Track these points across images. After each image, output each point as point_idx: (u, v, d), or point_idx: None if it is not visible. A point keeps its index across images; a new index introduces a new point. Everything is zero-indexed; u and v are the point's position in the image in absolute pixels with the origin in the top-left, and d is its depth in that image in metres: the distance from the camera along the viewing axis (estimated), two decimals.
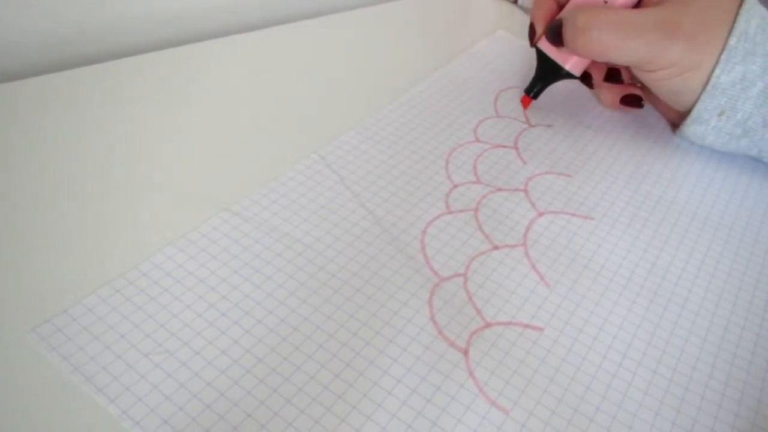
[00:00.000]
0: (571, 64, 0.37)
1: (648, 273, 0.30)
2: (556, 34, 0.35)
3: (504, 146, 0.37)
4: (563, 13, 0.36)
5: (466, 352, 0.25)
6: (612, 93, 0.40)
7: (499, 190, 0.34)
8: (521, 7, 0.55)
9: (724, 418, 0.24)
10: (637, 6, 0.35)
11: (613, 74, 0.39)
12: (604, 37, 0.33)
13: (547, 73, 0.38)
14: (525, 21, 0.53)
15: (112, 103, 0.36)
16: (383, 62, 0.44)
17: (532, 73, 0.40)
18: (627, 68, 0.38)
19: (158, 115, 0.36)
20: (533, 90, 0.39)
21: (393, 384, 0.24)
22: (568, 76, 0.37)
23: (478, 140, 0.37)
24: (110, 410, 0.22)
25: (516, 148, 0.37)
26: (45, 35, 0.40)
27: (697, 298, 0.29)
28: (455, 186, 0.33)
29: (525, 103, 0.40)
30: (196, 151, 0.34)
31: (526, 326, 0.27)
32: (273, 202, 0.31)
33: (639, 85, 0.40)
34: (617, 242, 0.31)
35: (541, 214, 0.32)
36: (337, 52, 0.45)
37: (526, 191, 0.34)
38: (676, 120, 0.40)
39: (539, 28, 0.37)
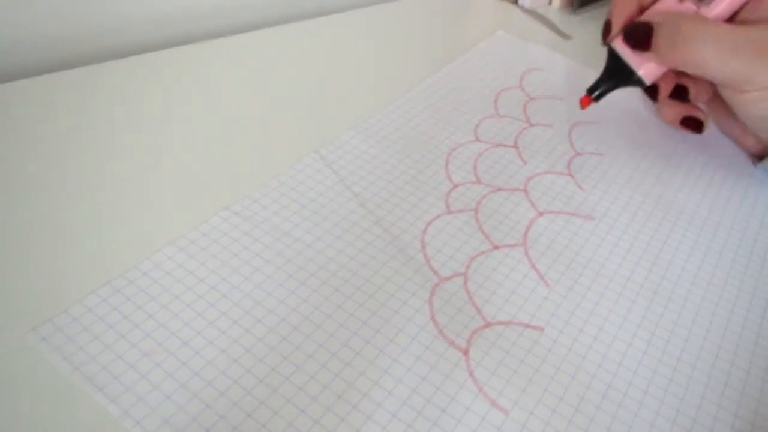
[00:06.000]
0: (645, 70, 0.33)
1: (648, 273, 0.30)
2: (639, 37, 0.32)
3: (504, 146, 0.37)
4: (653, 17, 0.33)
5: (466, 352, 0.25)
6: (674, 110, 0.38)
7: (499, 189, 0.34)
8: (521, 7, 0.55)
9: (724, 418, 0.24)
10: (729, 21, 0.33)
11: (680, 91, 0.36)
12: (706, 49, 0.30)
13: (615, 75, 0.35)
14: (525, 21, 0.53)
15: (112, 103, 0.36)
16: (383, 62, 0.44)
17: (530, 73, 0.39)
18: (704, 87, 0.36)
19: (158, 115, 0.36)
20: (596, 91, 0.35)
21: (393, 384, 0.24)
22: (638, 83, 0.34)
23: (478, 140, 0.37)
24: (110, 410, 0.22)
25: (516, 147, 0.37)
26: (45, 35, 0.40)
27: (697, 298, 0.29)
28: (455, 186, 0.34)
29: (583, 104, 0.36)
30: (196, 151, 0.34)
31: (527, 326, 0.27)
32: (273, 202, 0.31)
33: (703, 109, 0.38)
34: (617, 242, 0.31)
35: (541, 214, 0.32)
36: (337, 52, 0.45)
37: (526, 191, 0.34)
38: (757, 151, 0.38)
39: (616, 27, 0.34)
